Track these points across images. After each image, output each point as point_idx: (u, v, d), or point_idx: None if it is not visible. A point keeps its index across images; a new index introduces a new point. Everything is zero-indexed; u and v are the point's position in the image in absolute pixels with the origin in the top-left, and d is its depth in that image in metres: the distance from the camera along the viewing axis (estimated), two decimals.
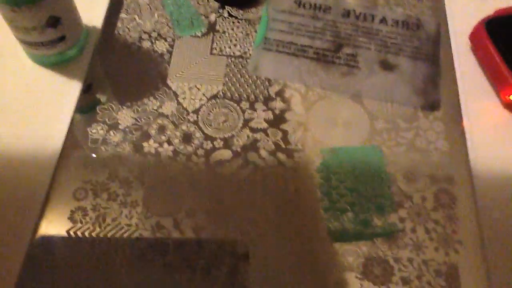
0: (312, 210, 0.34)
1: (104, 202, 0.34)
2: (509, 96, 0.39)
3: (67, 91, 0.38)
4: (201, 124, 0.37)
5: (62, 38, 0.37)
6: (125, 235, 0.32)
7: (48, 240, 0.32)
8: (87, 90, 0.39)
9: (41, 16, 0.35)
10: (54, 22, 0.36)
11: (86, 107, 0.38)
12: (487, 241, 0.33)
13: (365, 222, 0.34)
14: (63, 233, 0.32)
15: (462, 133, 0.38)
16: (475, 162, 0.36)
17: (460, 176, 0.36)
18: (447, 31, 0.43)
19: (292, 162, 0.36)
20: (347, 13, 0.43)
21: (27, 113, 0.37)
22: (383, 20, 0.43)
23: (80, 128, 0.37)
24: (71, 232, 0.32)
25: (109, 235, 0.32)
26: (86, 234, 0.32)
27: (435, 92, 0.40)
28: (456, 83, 0.40)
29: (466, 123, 0.38)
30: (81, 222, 0.33)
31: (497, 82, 0.40)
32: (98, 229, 0.32)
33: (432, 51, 0.42)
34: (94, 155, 0.35)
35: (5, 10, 0.34)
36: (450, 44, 0.42)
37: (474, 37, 0.42)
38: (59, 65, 0.39)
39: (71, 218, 0.33)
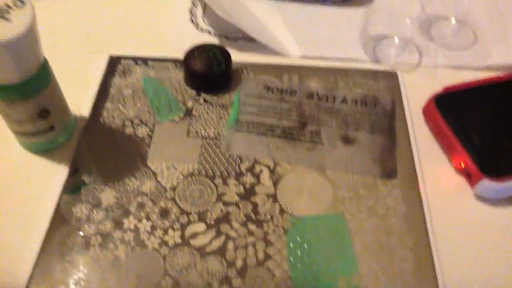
0: (281, 276, 0.37)
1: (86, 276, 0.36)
2: (460, 162, 0.42)
3: (54, 174, 0.42)
4: (177, 200, 0.41)
5: (51, 128, 0.42)
6: None
7: None
8: (74, 173, 0.42)
9: (32, 109, 0.39)
10: (44, 114, 0.40)
11: (72, 188, 0.41)
12: None
13: (330, 286, 0.36)
14: None
15: (419, 198, 0.41)
16: (431, 223, 0.39)
17: (417, 235, 0.39)
18: (402, 106, 0.48)
19: (261, 232, 0.39)
20: (311, 95, 0.48)
21: (16, 196, 0.41)
22: (344, 100, 0.48)
23: (66, 207, 0.40)
24: None
25: None
26: None
27: (392, 161, 0.43)
28: (412, 152, 0.44)
29: (421, 188, 0.42)
30: None
31: (448, 150, 0.44)
32: None
33: (388, 125, 0.46)
34: (80, 233, 0.38)
35: (0, 105, 0.39)
36: (405, 117, 0.47)
37: (426, 111, 0.47)
38: (48, 151, 0.43)
39: None
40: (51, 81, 0.40)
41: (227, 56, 0.48)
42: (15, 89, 0.37)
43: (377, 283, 0.36)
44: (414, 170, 0.43)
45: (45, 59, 0.39)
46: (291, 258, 0.38)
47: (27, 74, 0.37)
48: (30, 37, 0.35)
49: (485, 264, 0.38)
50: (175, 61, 0.51)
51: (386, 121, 0.46)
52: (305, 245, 0.38)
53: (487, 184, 0.40)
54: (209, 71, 0.47)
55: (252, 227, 0.39)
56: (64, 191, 0.41)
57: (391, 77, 0.50)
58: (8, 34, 0.33)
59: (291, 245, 0.38)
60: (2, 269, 0.37)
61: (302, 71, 0.51)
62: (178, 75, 0.50)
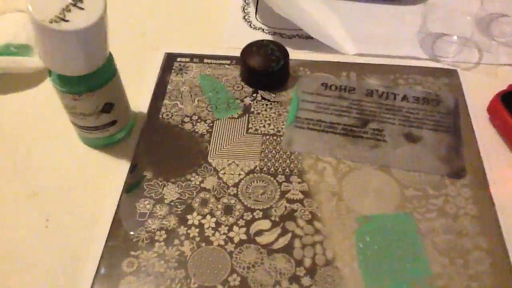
0: (351, 277, 0.35)
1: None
2: None
3: (116, 170, 0.42)
4: (240, 197, 0.40)
5: (114, 122, 0.42)
6: None
7: None
8: (134, 168, 0.42)
9: (98, 102, 0.39)
10: (108, 108, 0.40)
11: (134, 184, 0.41)
12: None
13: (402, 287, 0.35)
14: None
15: (490, 198, 0.40)
16: (505, 224, 0.38)
17: (491, 237, 0.37)
18: (464, 104, 0.46)
19: (328, 230, 0.38)
20: (370, 93, 0.47)
21: (78, 191, 0.41)
22: (405, 98, 0.47)
23: (129, 203, 0.40)
24: None
25: None
26: None
27: (460, 160, 0.42)
28: (479, 151, 0.43)
29: (492, 188, 0.40)
30: None
31: None
32: None
33: (453, 123, 0.45)
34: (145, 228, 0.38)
35: (67, 99, 0.39)
36: (469, 116, 0.45)
37: (491, 109, 0.45)
38: (108, 147, 0.43)
39: None
40: (116, 74, 0.40)
41: (285, 52, 0.47)
42: (83, 81, 0.37)
43: (452, 284, 0.35)
44: (483, 169, 0.41)
45: (109, 52, 0.39)
46: (361, 257, 0.36)
47: (95, 66, 0.37)
48: (101, 26, 0.35)
49: None
50: (231, 59, 0.50)
51: (451, 119, 0.45)
52: (375, 246, 0.37)
53: None
54: (267, 67, 0.46)
55: (319, 225, 0.38)
56: (126, 186, 0.41)
57: (451, 75, 0.49)
58: (82, 22, 0.33)
59: (361, 245, 0.37)
60: (67, 265, 0.36)
61: (360, 69, 0.50)
62: (234, 72, 0.49)
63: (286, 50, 0.47)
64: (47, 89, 0.47)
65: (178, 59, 0.50)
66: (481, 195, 0.40)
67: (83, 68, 0.36)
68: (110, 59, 0.39)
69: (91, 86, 0.38)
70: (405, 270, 0.36)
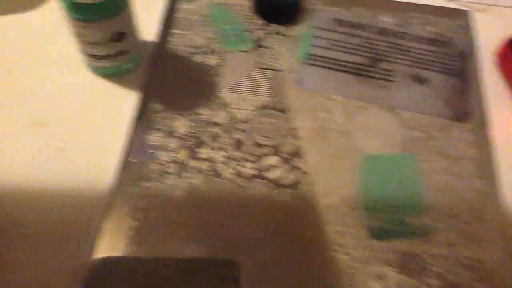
0: (352, 210, 0.37)
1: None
2: None
3: (124, 100, 0.42)
4: (250, 132, 0.41)
5: (124, 52, 0.41)
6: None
7: (107, 261, 0.35)
8: (144, 99, 0.42)
9: (109, 31, 0.38)
10: (120, 37, 0.39)
11: (143, 115, 0.41)
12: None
13: (402, 222, 0.37)
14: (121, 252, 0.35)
15: (489, 142, 0.41)
16: (500, 168, 0.39)
17: (486, 180, 0.39)
18: (475, 47, 0.46)
19: (334, 167, 0.39)
20: (382, 31, 0.47)
21: (89, 120, 0.41)
22: (416, 38, 0.46)
23: (139, 134, 0.40)
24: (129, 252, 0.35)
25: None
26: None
27: (465, 104, 0.43)
28: (484, 96, 0.43)
29: (492, 133, 0.41)
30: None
31: None
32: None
33: (461, 67, 0.45)
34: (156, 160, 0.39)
35: (77, 26, 0.38)
36: (477, 60, 0.46)
37: (500, 55, 0.45)
38: (117, 76, 0.43)
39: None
40: (128, 3, 0.39)
41: None
42: (95, 9, 0.36)
43: (443, 222, 0.37)
44: (486, 114, 0.42)
45: None
46: (364, 193, 0.38)
47: None
48: None
49: None
50: None
51: (459, 62, 0.45)
52: (377, 181, 0.39)
53: None
54: (281, 0, 0.45)
55: (325, 162, 0.39)
56: (136, 117, 0.41)
57: (465, 16, 0.49)
58: None
59: (364, 181, 0.39)
60: (80, 197, 0.37)
61: (373, 4, 0.49)
62: (246, 2, 0.48)
63: None
64: (50, 11, 0.45)
65: None
66: (482, 140, 0.41)
67: None
68: None
69: (103, 14, 0.37)
70: (403, 206, 0.38)
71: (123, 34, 0.39)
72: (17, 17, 0.46)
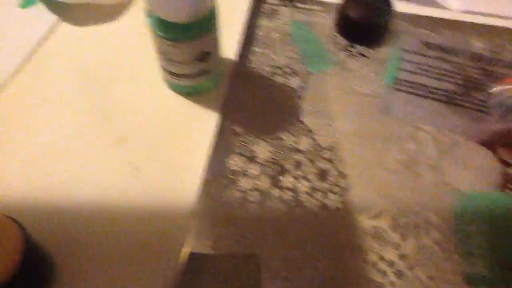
0: (447, 253, 0.35)
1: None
2: None
3: (204, 121, 0.40)
4: (335, 161, 0.38)
5: (207, 71, 0.39)
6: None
7: (197, 257, 0.34)
8: (223, 120, 0.40)
9: (195, 51, 0.37)
10: (204, 56, 0.38)
11: (223, 138, 0.39)
12: None
13: (501, 267, 0.34)
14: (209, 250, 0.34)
15: None
16: None
17: None
18: None
19: (426, 207, 0.37)
20: (475, 57, 0.44)
21: (166, 140, 0.39)
22: (511, 66, 0.43)
23: (219, 158, 0.38)
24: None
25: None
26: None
27: None
28: None
29: None
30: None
31: None
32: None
33: None
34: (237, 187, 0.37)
35: (164, 45, 0.36)
36: None
37: None
38: (195, 95, 0.41)
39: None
40: (217, 22, 0.37)
41: (388, 3, 0.43)
42: (185, 28, 0.35)
43: None
44: None
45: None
46: (458, 236, 0.35)
47: (199, 14, 0.34)
48: None
49: None
50: (325, 5, 0.46)
51: None
52: (475, 224, 0.36)
53: None
54: (369, 20, 0.42)
55: (416, 197, 0.37)
56: (215, 139, 0.39)
57: None
58: None
59: (459, 222, 0.36)
60: (161, 221, 0.36)
61: (464, 28, 0.46)
62: (328, 21, 0.46)
63: (390, 1, 0.43)
64: (127, 24, 0.44)
65: (268, 0, 0.47)
66: None
67: (187, 15, 0.34)
68: (214, 8, 0.36)
69: (193, 34, 0.35)
70: (504, 250, 0.35)
71: (209, 54, 0.38)
72: (95, 28, 0.45)
